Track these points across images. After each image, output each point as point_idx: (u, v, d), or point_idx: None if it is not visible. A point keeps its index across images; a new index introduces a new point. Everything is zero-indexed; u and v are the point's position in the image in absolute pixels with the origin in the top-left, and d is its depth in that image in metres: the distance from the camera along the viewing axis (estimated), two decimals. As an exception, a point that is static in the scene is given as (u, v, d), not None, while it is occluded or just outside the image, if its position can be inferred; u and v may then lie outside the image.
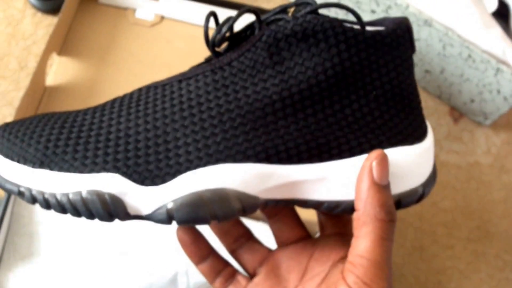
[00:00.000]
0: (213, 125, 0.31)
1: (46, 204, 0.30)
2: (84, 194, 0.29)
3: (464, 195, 0.64)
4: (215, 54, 0.33)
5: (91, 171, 0.30)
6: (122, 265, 0.49)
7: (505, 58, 0.61)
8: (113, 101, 0.33)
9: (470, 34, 0.61)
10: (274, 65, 0.31)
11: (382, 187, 0.30)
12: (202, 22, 0.62)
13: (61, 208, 0.30)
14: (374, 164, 0.30)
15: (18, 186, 0.30)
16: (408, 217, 0.62)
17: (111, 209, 0.30)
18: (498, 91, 0.62)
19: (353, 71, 0.31)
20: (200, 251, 0.35)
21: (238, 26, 0.38)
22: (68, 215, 0.30)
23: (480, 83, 0.63)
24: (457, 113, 0.68)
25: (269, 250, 0.37)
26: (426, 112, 0.67)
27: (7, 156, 0.31)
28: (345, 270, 0.30)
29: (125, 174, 0.30)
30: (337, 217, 0.36)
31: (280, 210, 0.37)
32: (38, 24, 0.63)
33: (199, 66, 0.34)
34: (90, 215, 0.30)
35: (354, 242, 0.30)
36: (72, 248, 0.50)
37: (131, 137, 0.31)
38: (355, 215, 0.30)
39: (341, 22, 0.31)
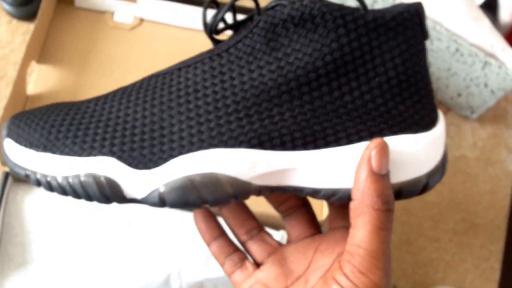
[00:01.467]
0: (208, 111, 0.30)
1: (49, 187, 0.30)
2: (82, 177, 0.30)
3: (450, 188, 0.62)
4: (214, 42, 0.32)
5: (88, 154, 0.30)
6: (115, 268, 0.49)
7: (493, 51, 0.58)
8: (117, 90, 0.33)
9: (458, 27, 0.57)
10: (271, 51, 0.30)
11: (380, 176, 0.29)
12: (182, 23, 0.58)
13: (62, 190, 0.30)
14: (373, 153, 0.29)
15: (25, 169, 0.31)
16: (396, 211, 0.60)
17: (107, 192, 0.30)
18: (486, 85, 0.59)
19: (353, 57, 0.30)
20: (211, 230, 0.36)
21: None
22: (69, 198, 0.31)
23: (467, 77, 0.60)
24: (444, 107, 0.65)
25: (279, 244, 0.37)
26: (412, 106, 0.65)
27: (17, 141, 0.32)
28: (342, 259, 0.29)
29: (120, 158, 0.30)
30: (346, 210, 0.34)
31: (296, 209, 0.36)
32: (14, 32, 0.59)
33: (200, 54, 0.32)
34: (89, 198, 0.30)
35: (351, 232, 0.30)
36: (65, 254, 0.49)
37: (128, 123, 0.30)
38: (352, 205, 0.30)
39: (339, 6, 0.29)
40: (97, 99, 0.32)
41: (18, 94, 0.51)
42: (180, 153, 0.30)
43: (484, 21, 0.58)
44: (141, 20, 0.58)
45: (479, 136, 0.65)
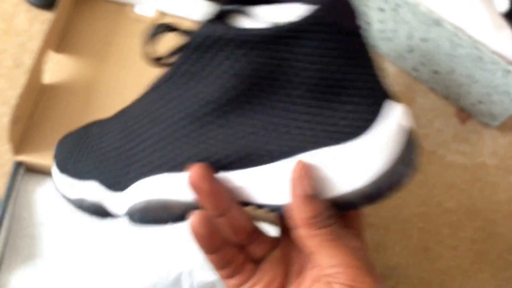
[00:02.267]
0: (157, 138, 0.32)
1: (68, 203, 0.36)
2: (80, 199, 0.35)
3: (469, 196, 0.60)
4: (157, 63, 0.33)
5: (83, 178, 0.34)
6: (125, 266, 0.47)
7: (515, 59, 0.56)
8: (116, 114, 0.36)
9: (480, 34, 0.56)
10: (188, 80, 0.31)
11: (309, 198, 0.28)
12: (204, 18, 0.56)
13: (76, 208, 0.35)
14: (295, 178, 0.28)
15: (56, 187, 0.36)
16: (413, 217, 0.58)
17: (98, 211, 0.34)
18: (507, 93, 0.58)
19: (267, 74, 0.29)
20: (213, 244, 0.32)
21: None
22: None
23: (489, 85, 0.58)
24: (465, 114, 0.63)
25: (277, 242, 0.34)
26: (433, 113, 0.63)
27: (55, 162, 0.36)
28: (329, 282, 0.28)
29: (102, 182, 0.33)
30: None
31: None
32: (32, 20, 0.57)
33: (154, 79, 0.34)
34: (91, 215, 0.35)
35: (314, 258, 0.29)
36: (74, 249, 0.47)
37: (111, 152, 0.33)
38: (296, 234, 0.29)
39: (234, 27, 0.28)
40: (102, 125, 0.35)
41: (33, 82, 0.49)
42: (137, 179, 0.32)
43: (506, 29, 0.57)
44: (163, 14, 0.56)
45: (500, 144, 0.63)
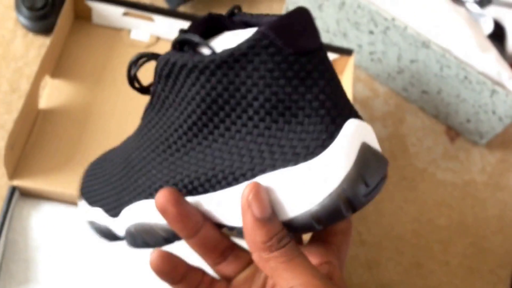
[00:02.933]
0: (136, 166, 0.33)
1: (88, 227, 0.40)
2: (92, 221, 0.36)
3: (460, 212, 0.60)
4: (139, 90, 0.33)
5: (93, 204, 0.36)
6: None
7: (500, 79, 0.57)
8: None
9: (466, 56, 0.56)
10: (164, 107, 0.31)
11: (264, 220, 0.27)
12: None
13: (91, 229, 0.37)
14: (243, 202, 0.27)
15: (78, 209, 0.40)
16: (405, 234, 0.58)
17: (107, 234, 0.35)
18: (494, 112, 0.58)
19: (223, 98, 0.28)
20: (176, 276, 0.32)
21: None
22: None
23: (476, 104, 0.59)
24: (454, 132, 0.63)
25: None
26: (422, 131, 0.63)
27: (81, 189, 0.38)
28: None
29: (103, 208, 0.35)
30: None
31: None
32: (29, 45, 0.56)
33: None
34: (102, 237, 0.36)
35: (274, 282, 0.28)
36: (69, 273, 0.46)
37: (111, 178, 0.35)
38: (253, 258, 0.28)
39: (197, 54, 0.29)
40: (112, 152, 0.37)
41: (30, 107, 0.48)
42: (127, 204, 0.33)
43: (491, 50, 0.57)
44: (158, 39, 0.56)
45: (488, 161, 0.63)
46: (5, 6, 0.57)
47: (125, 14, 0.54)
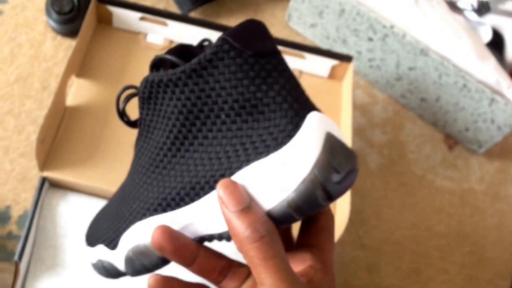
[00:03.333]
0: (130, 194, 0.34)
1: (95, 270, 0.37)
2: (99, 260, 0.35)
3: (458, 220, 0.58)
4: (128, 124, 0.35)
5: (96, 243, 0.35)
6: (143, 277, 0.47)
7: (499, 88, 0.56)
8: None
9: (465, 64, 0.56)
10: (149, 130, 0.32)
11: (239, 211, 0.27)
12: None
13: (98, 272, 0.36)
14: (221, 194, 0.27)
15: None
16: (404, 240, 0.56)
17: (111, 271, 0.34)
18: (492, 121, 0.57)
19: (197, 107, 0.30)
20: (188, 254, 0.32)
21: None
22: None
23: (474, 112, 0.57)
24: (452, 140, 0.62)
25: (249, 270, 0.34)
26: (421, 139, 0.62)
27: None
28: None
29: (104, 243, 0.34)
30: (307, 229, 0.32)
31: None
32: (58, 47, 0.60)
33: None
34: (108, 276, 0.35)
35: (253, 276, 0.28)
36: None
37: (111, 213, 0.35)
38: (237, 249, 0.28)
39: (170, 70, 0.30)
40: (112, 199, 0.37)
41: (58, 105, 0.51)
42: (123, 232, 0.33)
43: (490, 59, 0.56)
44: (171, 42, 0.59)
45: (487, 170, 0.61)
46: (37, 10, 0.61)
47: (142, 18, 0.57)
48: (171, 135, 0.30)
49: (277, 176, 0.27)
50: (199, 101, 0.29)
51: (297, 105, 0.28)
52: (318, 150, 0.27)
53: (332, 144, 0.27)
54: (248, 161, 0.28)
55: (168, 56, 0.31)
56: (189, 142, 0.30)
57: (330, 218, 0.32)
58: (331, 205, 0.51)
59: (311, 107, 0.29)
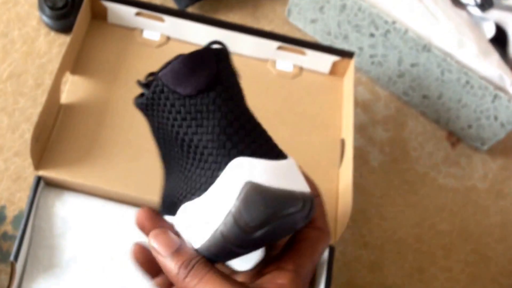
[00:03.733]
0: None
1: None
2: None
3: (461, 219, 0.57)
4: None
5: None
6: (140, 278, 0.46)
7: (502, 84, 0.55)
8: None
9: (468, 60, 0.54)
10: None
11: (171, 255, 0.29)
12: (205, 42, 0.57)
13: None
14: (152, 244, 0.29)
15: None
16: (407, 238, 0.55)
17: None
18: (495, 117, 0.56)
19: (156, 136, 0.31)
20: (156, 267, 0.33)
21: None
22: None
23: (477, 109, 0.56)
24: (455, 138, 0.61)
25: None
26: (423, 136, 0.61)
27: None
28: None
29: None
30: (287, 249, 0.31)
31: None
32: (51, 43, 0.58)
33: None
34: None
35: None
36: (91, 259, 0.47)
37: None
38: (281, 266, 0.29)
39: (136, 99, 0.31)
40: None
41: (52, 102, 0.49)
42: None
43: (493, 55, 0.55)
44: (168, 38, 0.57)
45: (490, 168, 0.60)
46: (30, 5, 0.59)
47: (138, 14, 0.55)
48: (161, 149, 0.32)
49: (203, 216, 0.27)
50: (159, 132, 0.30)
51: (229, 144, 0.27)
52: (230, 201, 0.26)
53: (247, 196, 0.25)
54: (191, 196, 0.28)
55: (138, 84, 0.30)
56: (167, 162, 0.31)
57: (321, 231, 0.31)
58: (333, 202, 0.50)
59: (246, 147, 0.27)
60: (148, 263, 0.33)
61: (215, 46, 0.31)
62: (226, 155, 0.27)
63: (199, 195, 0.27)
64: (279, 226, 0.26)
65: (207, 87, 0.27)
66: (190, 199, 0.28)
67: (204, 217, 0.27)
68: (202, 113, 0.27)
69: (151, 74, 0.31)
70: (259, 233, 0.25)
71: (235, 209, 0.25)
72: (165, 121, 0.28)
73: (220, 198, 0.26)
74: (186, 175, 0.29)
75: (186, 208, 0.28)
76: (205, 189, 0.27)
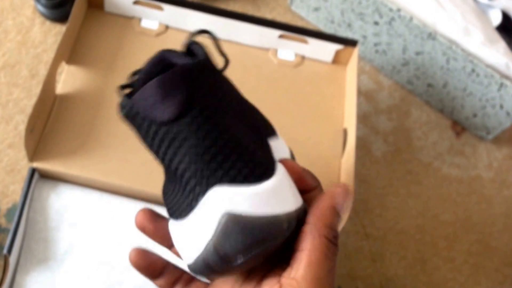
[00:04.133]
0: None
1: None
2: None
3: (465, 209, 0.56)
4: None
5: None
6: (135, 273, 0.45)
7: (509, 73, 0.53)
8: None
9: (474, 48, 0.53)
10: None
11: (337, 213, 0.28)
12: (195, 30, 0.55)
13: None
14: (339, 191, 0.29)
15: None
16: (409, 229, 0.54)
17: None
18: (501, 106, 0.54)
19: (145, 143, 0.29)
20: (156, 269, 0.33)
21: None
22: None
23: (483, 98, 0.55)
24: (460, 127, 0.60)
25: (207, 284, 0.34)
26: (428, 126, 0.59)
27: None
28: (285, 285, 0.26)
29: None
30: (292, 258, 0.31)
31: None
32: (47, 33, 0.56)
33: None
34: None
35: (299, 255, 0.27)
36: (86, 252, 0.46)
37: None
38: (305, 228, 0.28)
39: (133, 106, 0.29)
40: None
41: (47, 93, 0.48)
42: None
43: (500, 43, 0.54)
44: (167, 27, 0.55)
45: (495, 157, 0.59)
46: (24, -7, 0.57)
47: (136, 2, 0.53)
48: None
49: (186, 239, 0.27)
50: (146, 142, 0.28)
51: (207, 172, 0.26)
52: (210, 231, 0.25)
53: (226, 227, 0.25)
54: (177, 216, 0.27)
55: (119, 90, 0.29)
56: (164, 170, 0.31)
57: (312, 244, 0.29)
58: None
59: (224, 175, 0.26)
60: (148, 266, 0.32)
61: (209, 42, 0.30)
62: (205, 183, 0.26)
63: (182, 217, 0.26)
64: (261, 252, 0.25)
65: (180, 113, 0.26)
66: (175, 218, 0.27)
67: (187, 240, 0.26)
68: (178, 139, 0.26)
69: (135, 73, 0.30)
70: (239, 261, 0.25)
71: (214, 240, 0.25)
72: (146, 140, 0.27)
73: (200, 227, 0.25)
74: (173, 190, 0.28)
75: (173, 225, 0.28)
76: (187, 214, 0.26)
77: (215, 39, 0.29)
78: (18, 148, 0.51)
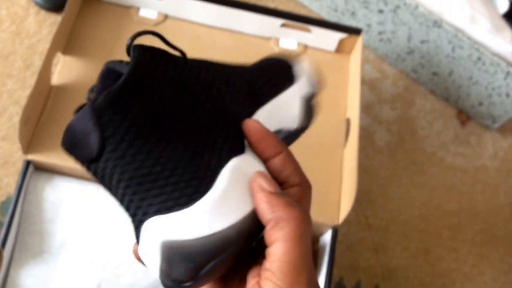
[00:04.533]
0: None
1: None
2: None
3: (469, 198, 0.55)
4: None
5: None
6: (131, 261, 0.44)
7: (515, 60, 0.51)
8: None
9: (480, 36, 0.51)
10: None
11: (272, 192, 0.26)
12: (205, 21, 0.53)
13: None
14: (259, 181, 0.26)
15: None
16: (413, 219, 0.53)
17: None
18: (507, 95, 0.53)
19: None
20: None
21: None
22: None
23: (489, 86, 0.53)
24: (465, 116, 0.58)
25: None
26: (432, 115, 0.58)
27: None
28: (262, 278, 0.25)
29: None
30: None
31: None
32: (42, 22, 0.54)
33: None
34: None
35: (270, 250, 0.25)
36: (81, 245, 0.45)
37: None
38: (266, 230, 0.26)
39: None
40: None
41: (42, 84, 0.46)
42: None
43: (506, 31, 0.52)
44: (165, 17, 0.53)
45: (500, 146, 0.58)
46: (17, -17, 0.55)
47: (133, -9, 0.51)
48: None
49: (145, 263, 0.26)
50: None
51: (135, 204, 0.25)
52: (157, 261, 0.25)
53: (168, 256, 0.24)
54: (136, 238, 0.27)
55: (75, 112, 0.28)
56: None
57: (288, 240, 0.27)
58: (337, 183, 0.48)
59: (158, 204, 0.25)
60: None
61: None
62: (141, 213, 0.25)
63: (137, 242, 0.26)
64: (216, 266, 0.25)
65: (97, 155, 0.25)
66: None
67: (146, 264, 0.26)
68: (105, 177, 0.26)
69: (92, 89, 0.29)
70: (191, 282, 0.25)
71: (163, 267, 0.25)
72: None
73: (149, 255, 0.25)
74: None
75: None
76: (138, 242, 0.26)
77: (162, 38, 0.27)
78: (12, 140, 0.49)
